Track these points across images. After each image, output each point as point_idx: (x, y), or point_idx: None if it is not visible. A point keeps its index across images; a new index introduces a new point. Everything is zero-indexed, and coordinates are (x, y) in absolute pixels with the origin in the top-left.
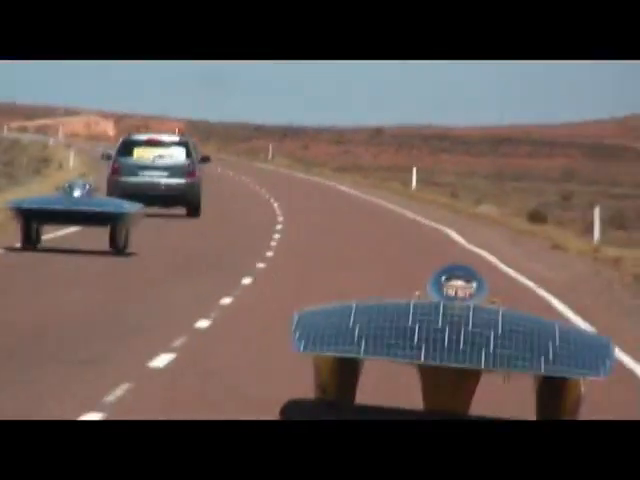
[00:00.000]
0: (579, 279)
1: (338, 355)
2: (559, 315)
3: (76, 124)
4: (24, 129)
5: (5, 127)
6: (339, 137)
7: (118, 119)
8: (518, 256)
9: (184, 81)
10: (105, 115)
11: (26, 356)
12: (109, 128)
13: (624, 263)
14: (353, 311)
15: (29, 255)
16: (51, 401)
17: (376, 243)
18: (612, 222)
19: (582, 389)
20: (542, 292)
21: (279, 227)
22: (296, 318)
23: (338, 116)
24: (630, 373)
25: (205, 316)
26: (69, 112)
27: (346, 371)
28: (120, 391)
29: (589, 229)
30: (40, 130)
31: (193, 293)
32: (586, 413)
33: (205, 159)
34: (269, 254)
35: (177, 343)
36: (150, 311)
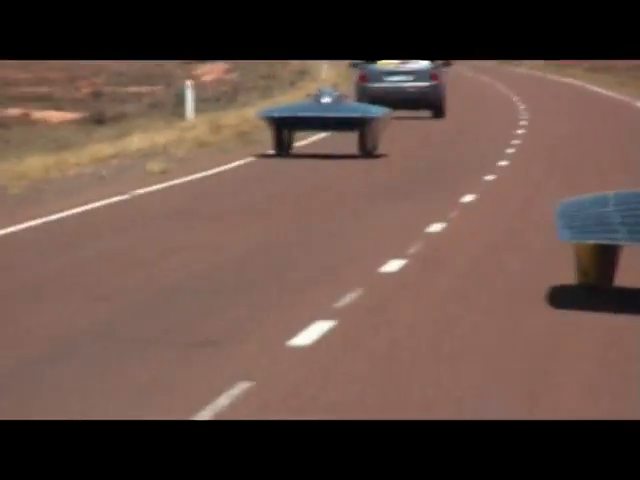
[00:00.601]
0: None
1: (599, 243)
2: None
3: None
4: None
5: None
6: None
7: None
8: None
9: None
10: None
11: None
12: None
13: None
14: (611, 201)
15: (282, 161)
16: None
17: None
18: None
19: None
20: None
21: (523, 123)
22: (559, 208)
23: None
24: None
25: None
26: None
27: (606, 256)
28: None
29: None
30: None
31: (439, 192)
32: None
33: (447, 63)
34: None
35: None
36: (404, 194)
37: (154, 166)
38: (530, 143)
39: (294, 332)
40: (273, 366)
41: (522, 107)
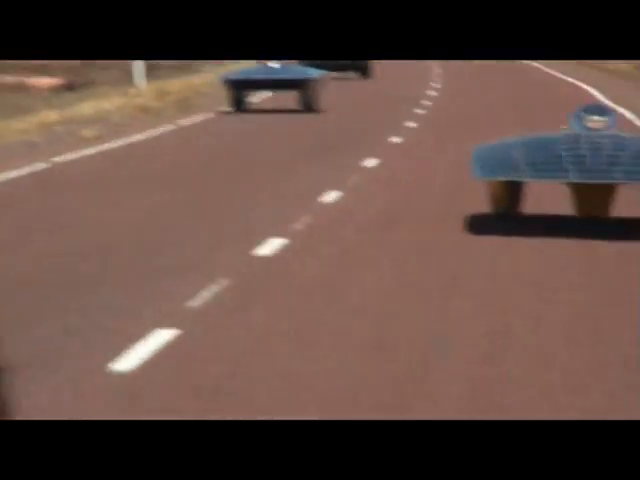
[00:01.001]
0: None
1: (507, 179)
2: None
3: None
4: None
5: None
6: None
7: None
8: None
9: None
10: None
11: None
12: None
13: None
14: (518, 144)
15: (240, 115)
16: None
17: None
18: None
19: None
20: None
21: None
22: (474, 152)
23: None
24: None
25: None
26: None
27: (513, 189)
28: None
29: None
30: None
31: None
32: None
33: None
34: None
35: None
36: (345, 135)
37: (89, 132)
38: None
39: (121, 352)
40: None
41: (439, 71)
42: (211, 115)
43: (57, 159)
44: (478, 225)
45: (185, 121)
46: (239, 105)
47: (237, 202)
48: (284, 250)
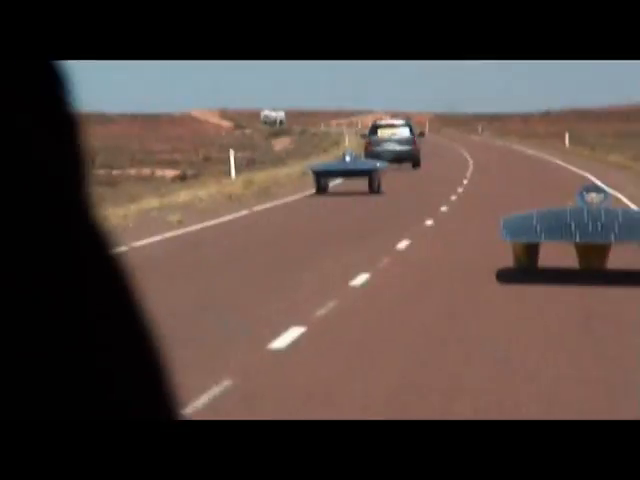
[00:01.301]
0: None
1: (527, 242)
2: None
3: (368, 119)
4: (340, 125)
5: (322, 124)
6: (524, 119)
7: (378, 116)
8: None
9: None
10: (385, 113)
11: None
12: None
13: None
14: (534, 215)
15: (321, 197)
16: None
17: (530, 173)
18: None
19: None
20: None
21: (471, 168)
22: (502, 221)
23: (522, 104)
24: None
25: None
26: (365, 112)
27: (532, 249)
28: None
29: None
30: (350, 125)
31: (422, 203)
32: None
33: (422, 134)
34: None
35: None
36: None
37: (174, 217)
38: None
39: None
40: None
41: (471, 161)
42: (285, 200)
43: (135, 243)
44: (505, 276)
45: (259, 207)
46: (320, 189)
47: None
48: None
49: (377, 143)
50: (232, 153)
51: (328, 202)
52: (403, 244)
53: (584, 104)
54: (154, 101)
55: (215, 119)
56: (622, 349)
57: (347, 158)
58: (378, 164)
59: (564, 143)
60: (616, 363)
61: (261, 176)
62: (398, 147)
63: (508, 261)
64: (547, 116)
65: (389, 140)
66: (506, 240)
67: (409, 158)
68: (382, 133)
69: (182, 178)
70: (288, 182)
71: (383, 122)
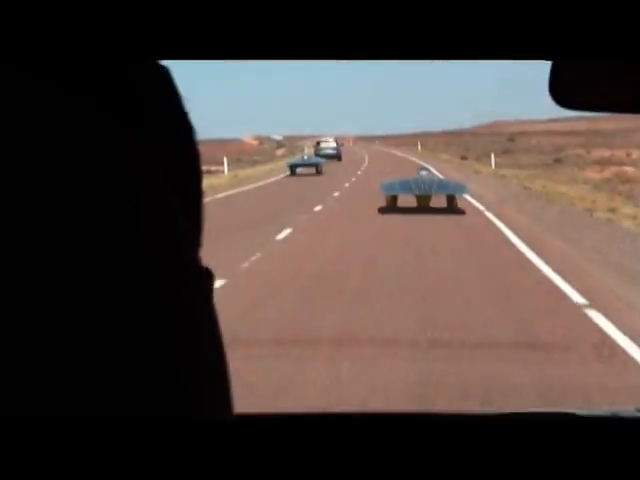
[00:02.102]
0: (485, 180)
1: (391, 194)
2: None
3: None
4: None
5: (301, 143)
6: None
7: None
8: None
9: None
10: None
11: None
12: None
13: (507, 177)
14: (396, 181)
15: (294, 177)
16: None
17: (397, 162)
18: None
19: (457, 199)
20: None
21: (366, 164)
22: (380, 184)
23: (394, 128)
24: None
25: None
26: (320, 135)
27: (394, 197)
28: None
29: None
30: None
31: (343, 175)
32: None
33: (342, 144)
34: (360, 171)
35: (322, 199)
36: (320, 186)
37: None
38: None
39: None
40: None
41: (367, 158)
42: (251, 186)
43: None
44: (382, 210)
45: (234, 191)
46: (293, 173)
47: None
48: None
49: (320, 150)
50: (225, 159)
51: (294, 179)
52: (336, 193)
53: (428, 128)
54: (218, 129)
55: (252, 141)
56: (434, 227)
57: (305, 157)
58: (321, 160)
59: (417, 149)
60: (436, 229)
61: (246, 171)
62: (330, 151)
63: (382, 203)
64: (407, 136)
65: (326, 148)
66: (382, 192)
67: (336, 157)
68: (322, 145)
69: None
70: (265, 175)
71: (323, 139)
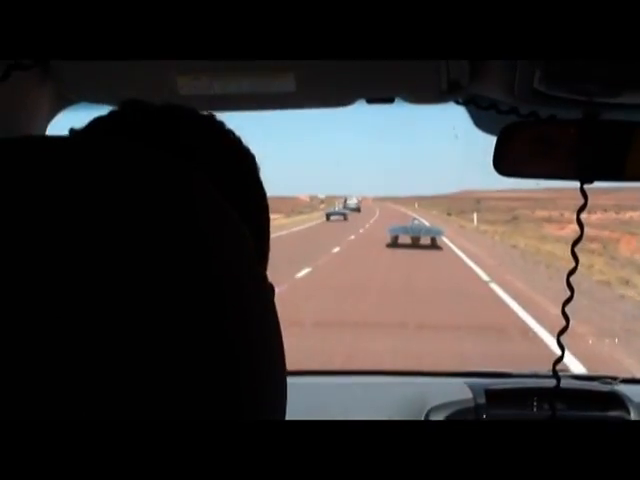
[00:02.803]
0: (472, 235)
1: (394, 234)
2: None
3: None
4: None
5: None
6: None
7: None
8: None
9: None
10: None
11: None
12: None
13: (488, 232)
14: (397, 226)
15: (329, 222)
16: None
17: (400, 215)
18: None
19: (437, 240)
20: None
21: (377, 215)
22: (387, 229)
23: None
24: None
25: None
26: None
27: (395, 237)
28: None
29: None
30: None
31: (362, 221)
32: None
33: (360, 202)
34: (373, 219)
35: (340, 240)
36: (342, 230)
37: None
38: (379, 218)
39: None
40: None
41: (378, 212)
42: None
43: None
44: (387, 247)
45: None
46: (328, 219)
47: None
48: None
49: (347, 205)
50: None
51: (329, 224)
52: (360, 230)
53: (422, 193)
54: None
55: (305, 198)
56: (426, 255)
57: (337, 208)
58: (346, 211)
59: (414, 206)
60: (426, 257)
61: (296, 218)
62: (354, 206)
63: (388, 241)
64: (409, 197)
65: (351, 204)
66: (388, 233)
67: (357, 210)
68: (348, 202)
69: None
70: (305, 220)
71: (349, 198)
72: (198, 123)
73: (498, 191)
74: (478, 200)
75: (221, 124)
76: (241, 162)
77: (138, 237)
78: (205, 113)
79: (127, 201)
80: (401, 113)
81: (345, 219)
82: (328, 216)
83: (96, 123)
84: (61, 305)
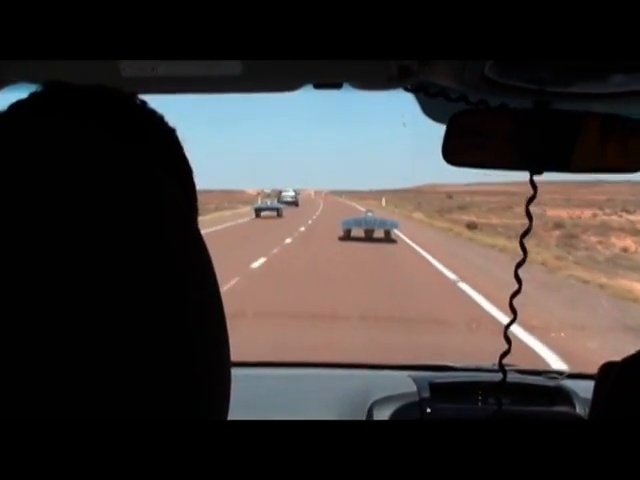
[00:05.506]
0: (438, 235)
1: (347, 227)
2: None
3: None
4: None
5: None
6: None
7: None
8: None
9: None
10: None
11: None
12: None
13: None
14: (350, 219)
15: (258, 219)
16: None
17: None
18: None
19: (392, 233)
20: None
21: (321, 207)
22: (341, 221)
23: (361, 184)
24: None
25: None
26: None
27: (347, 231)
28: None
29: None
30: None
31: (300, 217)
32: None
33: (298, 194)
34: (317, 213)
35: (281, 240)
36: (287, 221)
37: None
38: (324, 209)
39: None
40: None
41: (321, 206)
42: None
43: None
44: (338, 241)
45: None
46: (257, 216)
47: None
48: None
49: (282, 197)
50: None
51: (258, 221)
52: (302, 228)
53: (393, 186)
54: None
55: (252, 192)
56: (380, 247)
57: (268, 203)
58: (281, 205)
59: (381, 203)
60: (381, 248)
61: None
62: (289, 199)
63: (340, 234)
64: (373, 192)
65: (286, 196)
66: (341, 226)
67: (294, 203)
68: (283, 194)
69: None
70: (225, 218)
71: (284, 190)
72: (121, 102)
73: (465, 185)
74: (449, 195)
75: (143, 103)
76: (169, 137)
77: (86, 221)
78: (131, 94)
79: (72, 180)
80: (355, 102)
81: (279, 215)
82: (257, 212)
83: (18, 105)
84: None
